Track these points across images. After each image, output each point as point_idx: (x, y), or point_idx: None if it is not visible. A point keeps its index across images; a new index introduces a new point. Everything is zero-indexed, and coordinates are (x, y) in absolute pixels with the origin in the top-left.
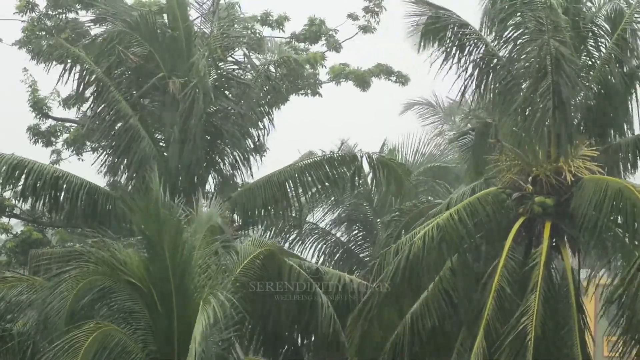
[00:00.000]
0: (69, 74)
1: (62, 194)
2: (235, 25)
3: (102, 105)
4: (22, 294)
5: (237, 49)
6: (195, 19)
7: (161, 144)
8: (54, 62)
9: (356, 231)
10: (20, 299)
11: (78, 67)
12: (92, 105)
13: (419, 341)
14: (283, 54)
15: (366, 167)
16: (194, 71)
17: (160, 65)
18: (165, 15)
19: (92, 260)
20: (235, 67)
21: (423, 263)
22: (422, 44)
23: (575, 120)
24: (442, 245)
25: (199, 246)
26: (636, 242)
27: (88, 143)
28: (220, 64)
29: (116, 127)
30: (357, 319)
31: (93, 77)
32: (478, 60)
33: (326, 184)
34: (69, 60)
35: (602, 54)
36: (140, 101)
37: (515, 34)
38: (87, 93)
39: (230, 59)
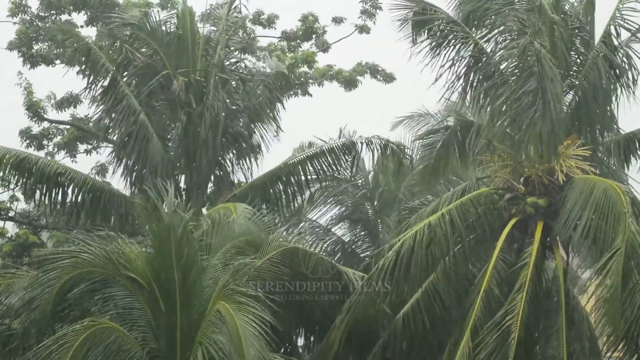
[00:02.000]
0: (85, 67)
1: (66, 190)
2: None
3: (114, 99)
4: (20, 291)
5: (240, 52)
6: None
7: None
8: (47, 63)
9: (358, 230)
10: (17, 295)
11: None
12: (103, 101)
13: (409, 341)
14: (280, 67)
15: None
16: (199, 71)
17: (166, 63)
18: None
19: (90, 252)
20: (240, 68)
21: (413, 262)
22: (413, 37)
23: (567, 119)
24: (432, 245)
25: (218, 253)
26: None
27: (80, 145)
28: (227, 65)
29: (127, 123)
30: (347, 317)
31: (104, 69)
32: (466, 57)
33: (327, 173)
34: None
35: (588, 52)
36: (147, 99)
37: (500, 34)
38: (99, 87)
39: (234, 60)
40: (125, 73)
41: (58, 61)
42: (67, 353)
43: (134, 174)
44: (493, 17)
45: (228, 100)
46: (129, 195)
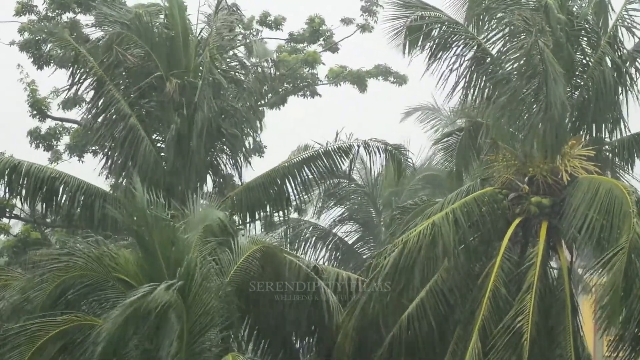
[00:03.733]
0: (73, 70)
1: (60, 195)
2: (235, 26)
3: (101, 103)
4: (14, 293)
5: (234, 50)
6: (196, 22)
7: (159, 145)
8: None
9: (359, 230)
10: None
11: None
12: (91, 105)
13: (415, 341)
14: (268, 54)
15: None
16: (192, 71)
17: (158, 65)
18: (162, 16)
19: (82, 256)
20: (233, 67)
21: (417, 260)
22: (406, 47)
23: (572, 119)
24: (437, 243)
25: (194, 245)
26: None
27: (89, 146)
28: (220, 64)
29: (117, 127)
30: (349, 317)
31: (92, 71)
32: (468, 58)
33: (324, 176)
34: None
35: (595, 53)
36: (138, 101)
37: (504, 33)
38: (86, 89)
39: (228, 59)
40: (117, 71)
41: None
42: (37, 342)
43: (126, 176)
44: (498, 16)
45: (221, 101)
46: (121, 198)
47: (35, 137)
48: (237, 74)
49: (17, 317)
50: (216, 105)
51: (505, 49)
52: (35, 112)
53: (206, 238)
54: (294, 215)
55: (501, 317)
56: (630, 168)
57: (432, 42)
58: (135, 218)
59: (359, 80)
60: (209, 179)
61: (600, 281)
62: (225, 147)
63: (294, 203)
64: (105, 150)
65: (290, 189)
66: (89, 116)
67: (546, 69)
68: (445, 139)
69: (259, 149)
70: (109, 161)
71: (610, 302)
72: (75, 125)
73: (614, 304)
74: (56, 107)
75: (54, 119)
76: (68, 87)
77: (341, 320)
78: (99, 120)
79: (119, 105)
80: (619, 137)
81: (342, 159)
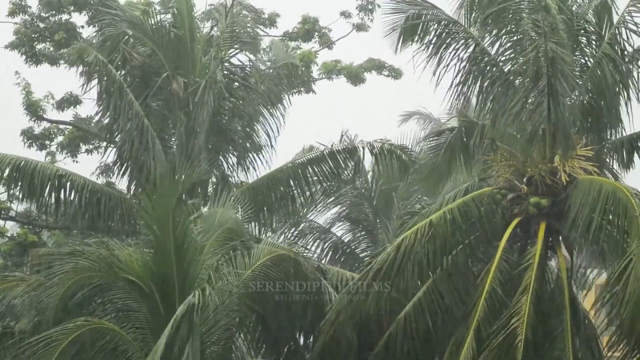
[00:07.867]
0: (88, 77)
1: (67, 194)
2: (237, 26)
3: (111, 103)
4: (23, 294)
5: (239, 49)
6: (204, 21)
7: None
8: (51, 63)
9: (357, 230)
10: (20, 298)
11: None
12: (100, 105)
13: (411, 341)
14: (287, 57)
15: (367, 165)
16: (198, 70)
17: (165, 64)
18: (170, 15)
19: (89, 257)
20: (239, 67)
21: (413, 259)
22: (400, 43)
23: (571, 119)
24: (433, 243)
25: (208, 246)
26: (628, 241)
27: (82, 145)
28: (225, 64)
29: (127, 127)
30: (341, 314)
31: (112, 78)
32: (466, 58)
33: (328, 177)
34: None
35: (595, 53)
36: (145, 100)
37: (508, 33)
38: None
39: (233, 59)
40: (124, 70)
41: (62, 61)
42: (55, 351)
43: (135, 175)
44: (499, 16)
45: (227, 101)
46: (130, 196)
47: (29, 136)
48: (245, 72)
49: (31, 318)
50: (222, 104)
51: (508, 49)
52: (30, 114)
53: (221, 241)
54: (296, 216)
55: (497, 318)
56: (630, 168)
57: (430, 40)
58: (152, 216)
59: (354, 75)
60: (214, 178)
61: (600, 281)
62: (230, 146)
63: (297, 204)
64: (114, 150)
65: (292, 191)
66: (99, 117)
67: (554, 70)
68: (434, 139)
69: (260, 149)
70: (113, 159)
71: (630, 311)
72: (70, 127)
73: (635, 312)
74: (50, 108)
75: (49, 121)
76: (80, 87)
77: (333, 317)
78: (109, 119)
79: (132, 105)
80: (618, 137)
81: (347, 161)
